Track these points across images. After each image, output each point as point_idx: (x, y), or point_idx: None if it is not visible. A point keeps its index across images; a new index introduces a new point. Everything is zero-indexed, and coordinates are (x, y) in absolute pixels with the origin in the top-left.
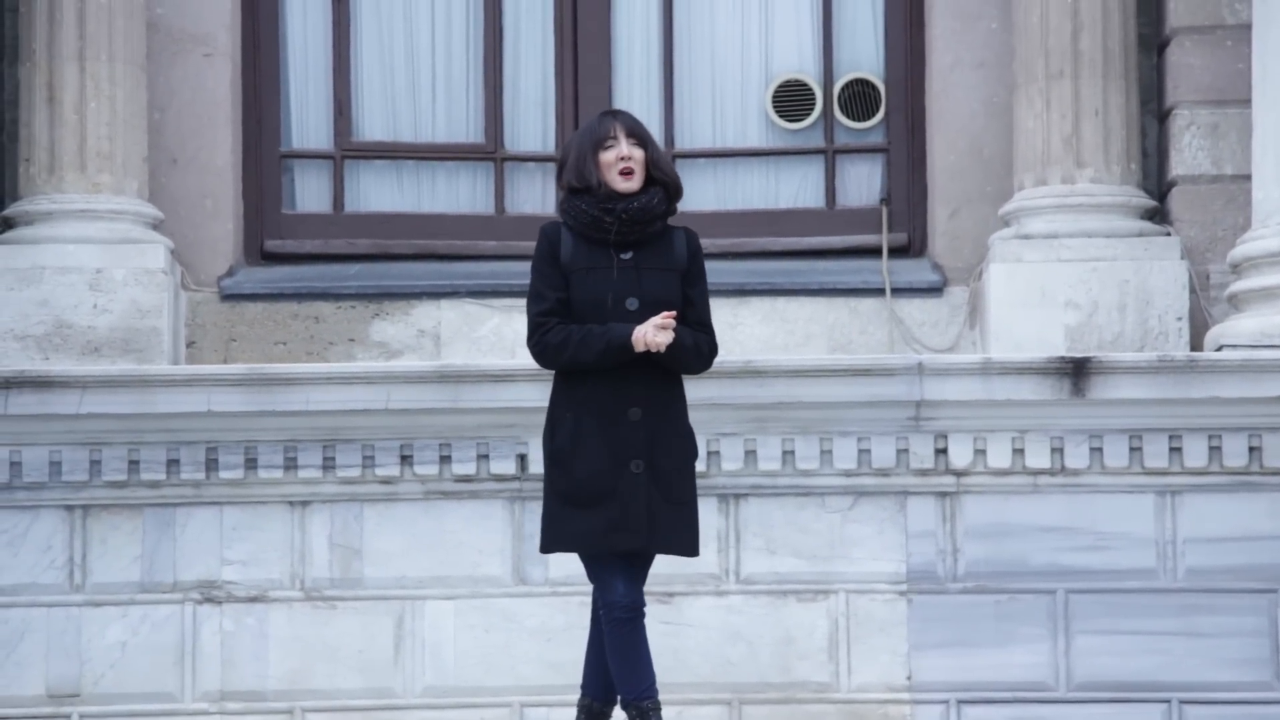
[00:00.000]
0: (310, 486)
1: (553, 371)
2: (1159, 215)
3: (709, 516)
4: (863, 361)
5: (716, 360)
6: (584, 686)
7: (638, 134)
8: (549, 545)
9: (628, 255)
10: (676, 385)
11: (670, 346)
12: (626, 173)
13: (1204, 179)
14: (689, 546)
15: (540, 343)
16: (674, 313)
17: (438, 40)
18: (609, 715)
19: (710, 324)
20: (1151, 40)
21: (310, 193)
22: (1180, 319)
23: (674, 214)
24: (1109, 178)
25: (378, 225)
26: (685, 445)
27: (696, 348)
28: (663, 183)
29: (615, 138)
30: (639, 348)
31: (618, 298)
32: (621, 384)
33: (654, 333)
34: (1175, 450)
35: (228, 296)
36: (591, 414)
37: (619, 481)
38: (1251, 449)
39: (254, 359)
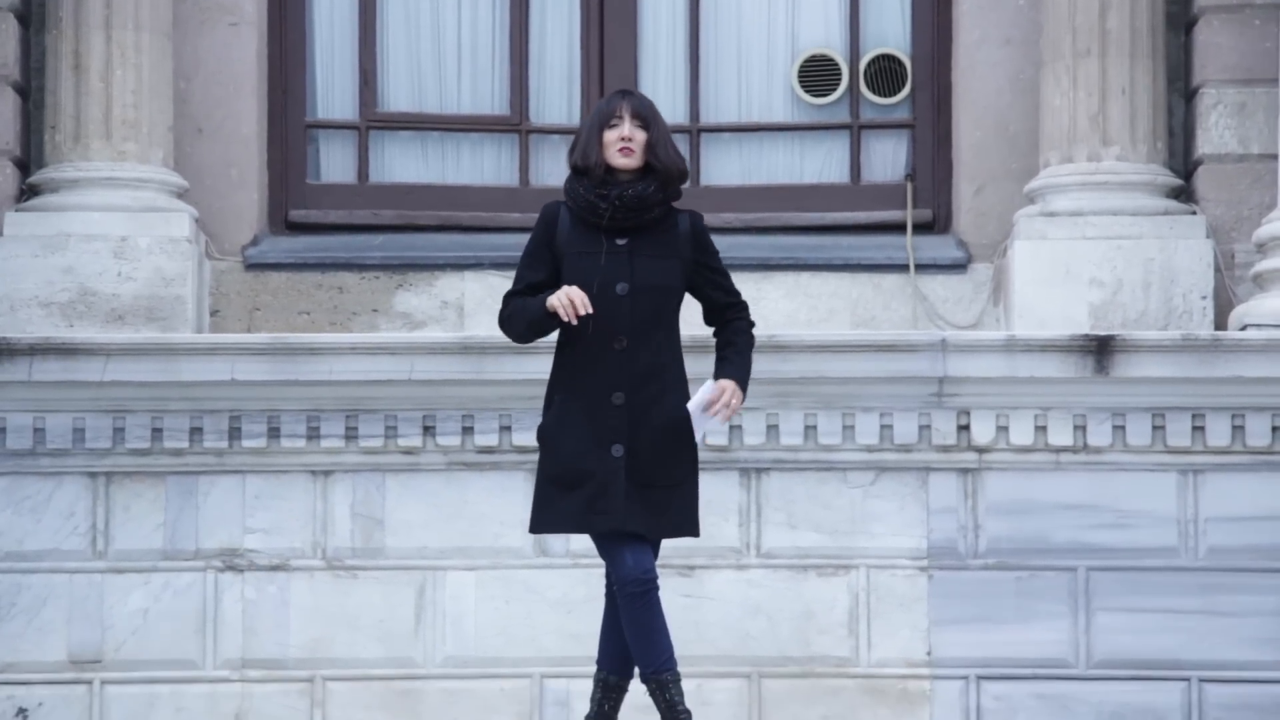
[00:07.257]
0: (333, 456)
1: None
2: (1185, 194)
3: (730, 490)
4: (886, 337)
5: None
6: (599, 661)
7: (643, 115)
8: (536, 526)
9: (623, 241)
10: (669, 369)
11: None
12: (626, 151)
13: (1230, 158)
14: (683, 527)
15: (499, 318)
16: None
17: (464, 12)
18: (625, 689)
19: (736, 290)
20: (1179, 19)
21: (335, 163)
22: (1205, 298)
23: (676, 198)
24: (1135, 156)
25: (402, 196)
26: (675, 428)
27: (750, 353)
28: (660, 170)
29: (621, 117)
30: (562, 316)
31: (605, 282)
32: (609, 368)
33: (577, 306)
34: (1198, 429)
35: (252, 266)
36: (577, 397)
37: (599, 464)
38: (1274, 429)
39: (277, 328)
